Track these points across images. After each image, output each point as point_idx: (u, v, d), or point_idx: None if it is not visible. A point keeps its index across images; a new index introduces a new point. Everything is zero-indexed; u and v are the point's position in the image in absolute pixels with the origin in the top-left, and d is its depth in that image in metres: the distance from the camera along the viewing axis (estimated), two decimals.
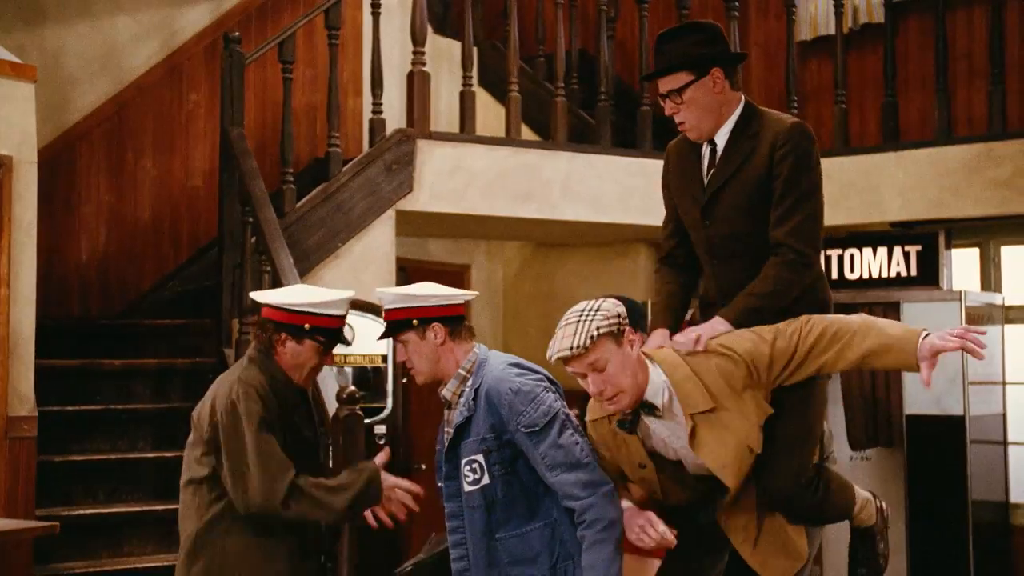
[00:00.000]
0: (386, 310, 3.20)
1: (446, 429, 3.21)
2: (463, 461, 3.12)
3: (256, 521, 3.23)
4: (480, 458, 3.09)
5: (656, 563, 3.37)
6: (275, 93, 6.58)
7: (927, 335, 2.94)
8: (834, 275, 6.66)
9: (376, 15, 6.07)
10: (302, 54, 6.75)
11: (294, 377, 3.35)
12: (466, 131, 6.20)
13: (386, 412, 5.73)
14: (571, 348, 2.92)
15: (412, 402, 6.58)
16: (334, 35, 5.98)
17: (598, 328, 2.91)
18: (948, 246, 6.58)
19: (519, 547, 3.09)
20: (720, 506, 3.10)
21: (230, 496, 3.21)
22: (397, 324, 3.18)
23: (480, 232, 7.31)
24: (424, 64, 6.05)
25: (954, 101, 6.63)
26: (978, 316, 6.35)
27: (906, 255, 6.50)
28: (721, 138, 3.19)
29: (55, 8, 6.63)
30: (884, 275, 6.55)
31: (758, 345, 2.99)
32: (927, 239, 6.47)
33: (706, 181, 3.21)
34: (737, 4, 6.76)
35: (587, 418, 3.16)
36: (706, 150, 3.23)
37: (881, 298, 6.41)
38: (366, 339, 5.70)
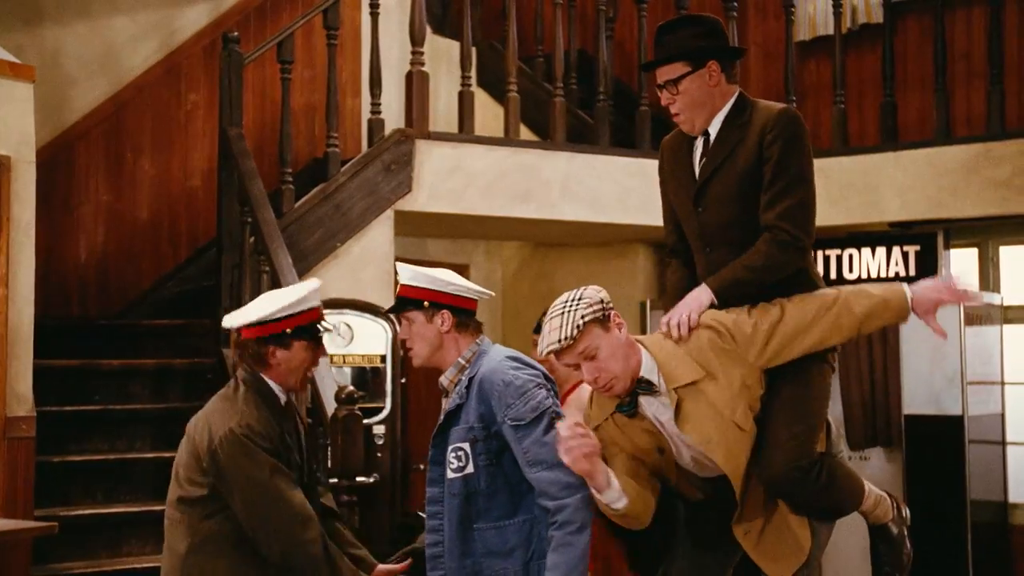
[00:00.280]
0: (401, 284, 3.20)
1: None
2: (450, 447, 3.12)
3: (246, 546, 3.17)
4: (466, 446, 3.09)
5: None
6: (274, 93, 6.58)
7: (911, 291, 3.03)
8: (833, 275, 6.66)
9: (375, 15, 6.07)
10: (301, 54, 6.75)
11: (294, 382, 3.31)
12: (465, 131, 6.20)
13: (385, 412, 5.72)
14: (559, 340, 2.94)
15: (411, 402, 6.58)
16: (333, 35, 5.97)
17: (583, 317, 2.94)
18: (947, 246, 6.59)
19: (496, 539, 3.08)
20: (735, 516, 3.10)
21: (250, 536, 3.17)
22: (408, 301, 3.18)
23: (479, 232, 7.31)
24: (423, 64, 6.05)
25: (953, 101, 6.64)
26: (977, 316, 6.35)
27: (905, 255, 6.50)
28: (714, 127, 3.22)
29: (53, 8, 6.63)
30: (883, 275, 6.55)
31: (742, 318, 3.02)
32: (926, 239, 6.47)
33: (698, 169, 3.23)
34: (736, 4, 6.76)
35: (591, 427, 3.14)
36: (700, 140, 3.26)
37: None
38: (365, 339, 5.70)
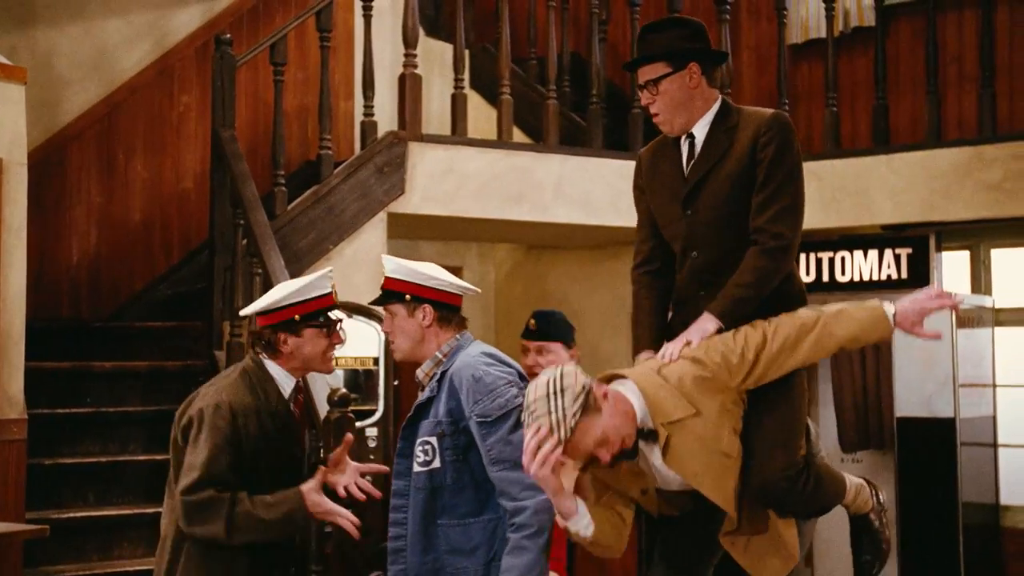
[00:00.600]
0: (385, 276, 3.19)
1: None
2: (418, 441, 3.10)
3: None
4: (433, 440, 3.07)
5: None
6: (266, 95, 6.57)
7: (892, 309, 3.03)
8: (825, 278, 6.67)
9: (368, 17, 6.06)
10: (293, 56, 6.74)
11: (315, 366, 3.31)
12: (458, 133, 6.20)
13: (377, 415, 5.72)
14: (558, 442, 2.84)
15: (403, 404, 6.57)
16: (325, 37, 5.97)
17: (573, 416, 2.85)
18: (939, 249, 6.60)
19: (459, 537, 3.06)
20: (722, 528, 3.10)
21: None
22: (390, 294, 3.18)
23: (472, 234, 7.31)
24: (416, 66, 6.05)
25: (944, 104, 6.65)
26: (968, 319, 6.37)
27: (897, 258, 6.51)
28: (700, 131, 3.23)
29: (46, 10, 6.62)
30: (875, 278, 6.56)
31: (727, 353, 3.00)
32: (918, 242, 6.48)
33: (686, 172, 3.23)
34: (728, 7, 6.77)
35: (567, 485, 3.13)
36: (684, 145, 3.26)
37: None
38: (358, 341, 5.69)
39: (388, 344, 3.31)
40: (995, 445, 6.61)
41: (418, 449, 3.09)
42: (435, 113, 7.09)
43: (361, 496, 3.33)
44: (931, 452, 6.15)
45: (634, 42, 6.65)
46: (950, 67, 6.82)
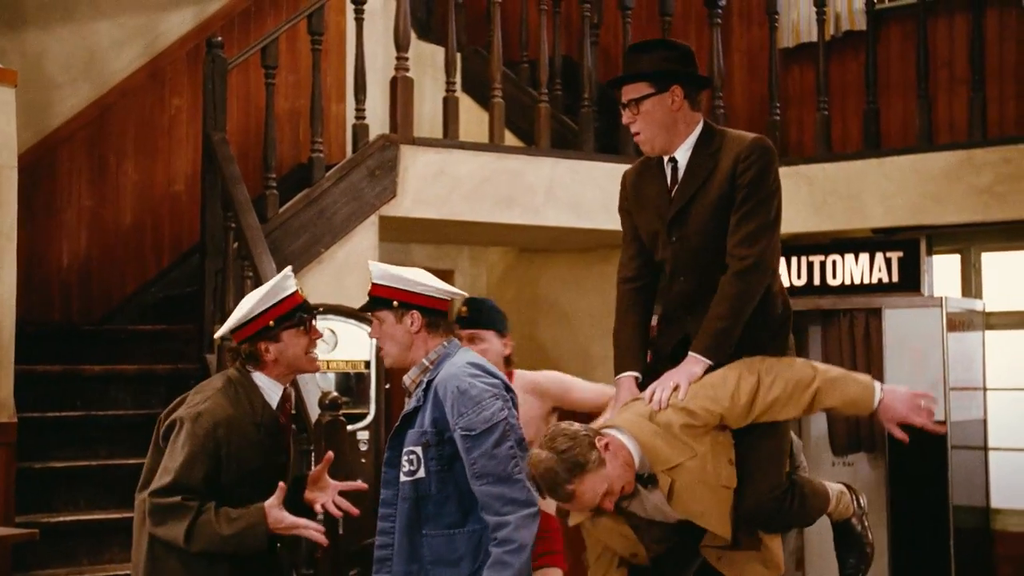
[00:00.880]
0: (372, 283, 3.19)
1: None
2: (404, 450, 3.10)
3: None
4: (419, 450, 3.06)
5: None
6: (258, 98, 6.56)
7: (881, 394, 3.07)
8: (816, 281, 6.68)
9: (359, 20, 6.06)
10: (285, 59, 6.74)
11: (302, 366, 3.32)
12: (449, 137, 6.19)
13: (369, 418, 5.71)
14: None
15: (395, 408, 6.55)
16: (317, 40, 5.96)
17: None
18: (929, 252, 6.61)
19: (443, 547, 3.05)
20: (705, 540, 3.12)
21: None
22: (378, 300, 3.18)
23: (463, 237, 7.31)
24: (407, 69, 6.04)
25: (935, 108, 6.67)
26: (959, 322, 6.38)
27: (888, 261, 6.53)
28: (682, 154, 3.23)
29: (36, 12, 6.60)
30: (866, 281, 6.57)
31: (716, 399, 3.01)
32: (909, 245, 6.49)
33: (671, 197, 3.23)
34: (720, 12, 6.79)
35: (570, 523, 3.16)
36: (667, 168, 3.26)
37: (863, 304, 6.44)
38: (349, 344, 5.69)
39: (379, 349, 3.30)
40: (986, 448, 6.62)
41: (404, 459, 3.09)
42: (427, 116, 7.09)
43: (337, 513, 3.35)
44: (922, 455, 6.15)
45: (626, 46, 6.66)
46: (941, 71, 6.84)
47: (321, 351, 5.57)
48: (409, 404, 3.15)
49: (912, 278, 6.46)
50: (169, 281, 6.80)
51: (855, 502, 3.38)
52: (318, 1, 5.92)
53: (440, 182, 6.09)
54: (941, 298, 6.29)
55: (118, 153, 6.78)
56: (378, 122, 6.30)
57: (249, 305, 3.27)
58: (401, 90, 6.01)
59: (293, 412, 3.53)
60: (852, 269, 6.61)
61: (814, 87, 6.92)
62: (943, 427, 3.12)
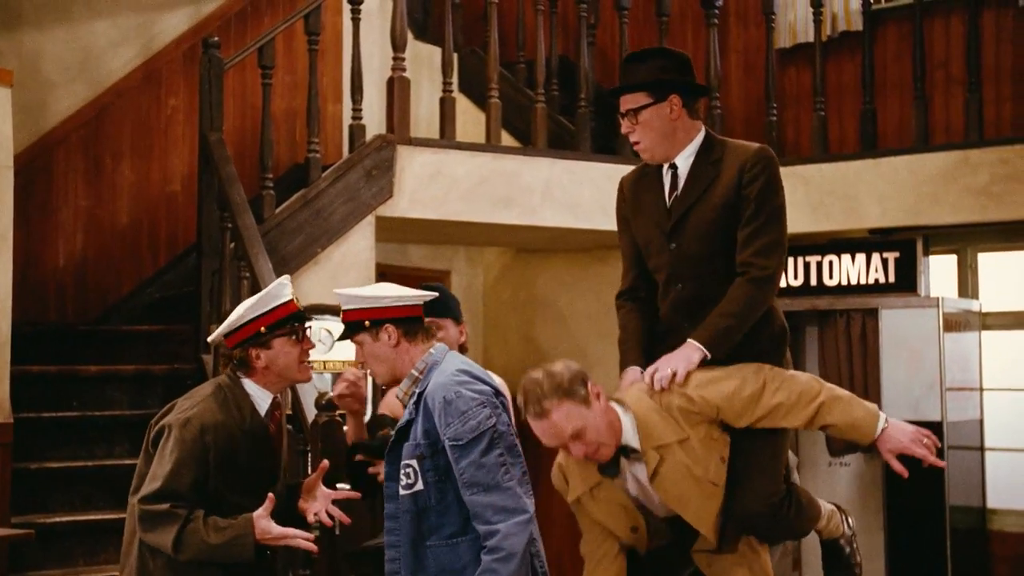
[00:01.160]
0: (342, 311, 3.19)
1: None
2: (401, 464, 3.10)
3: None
4: (414, 463, 3.06)
5: None
6: (254, 98, 6.55)
7: (885, 424, 3.09)
8: (813, 281, 6.68)
9: (356, 21, 6.06)
10: (281, 59, 6.73)
11: (293, 375, 3.31)
12: (446, 137, 6.19)
13: (366, 419, 5.69)
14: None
15: None
16: (314, 40, 5.96)
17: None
18: (926, 253, 6.62)
19: (447, 556, 3.05)
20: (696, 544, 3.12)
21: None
22: (351, 325, 3.17)
23: (460, 238, 7.31)
24: (404, 70, 6.04)
25: (931, 109, 6.68)
26: (955, 322, 6.39)
27: (884, 262, 6.53)
28: (683, 162, 3.24)
29: (32, 12, 6.59)
30: (862, 282, 6.57)
31: (716, 394, 3.02)
32: (905, 246, 6.50)
33: (669, 204, 3.24)
34: (717, 12, 6.79)
35: (569, 499, 3.16)
36: (667, 176, 3.27)
37: (859, 304, 6.44)
38: (346, 345, 5.68)
39: (371, 373, 3.29)
40: (982, 449, 6.63)
41: (401, 472, 3.10)
42: (423, 116, 7.09)
43: (329, 522, 3.35)
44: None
45: (623, 46, 6.68)
46: (937, 72, 6.84)
47: (317, 351, 5.59)
48: (402, 419, 3.15)
49: (908, 278, 6.47)
50: (165, 281, 6.80)
51: (845, 523, 3.40)
52: (314, 1, 5.91)
53: (437, 182, 6.09)
54: (937, 298, 6.30)
55: (114, 153, 6.78)
56: (375, 122, 6.30)
57: (242, 311, 3.26)
58: (398, 90, 6.01)
59: (285, 420, 3.50)
60: (848, 269, 6.62)
61: (811, 88, 6.92)
62: (943, 462, 3.11)
